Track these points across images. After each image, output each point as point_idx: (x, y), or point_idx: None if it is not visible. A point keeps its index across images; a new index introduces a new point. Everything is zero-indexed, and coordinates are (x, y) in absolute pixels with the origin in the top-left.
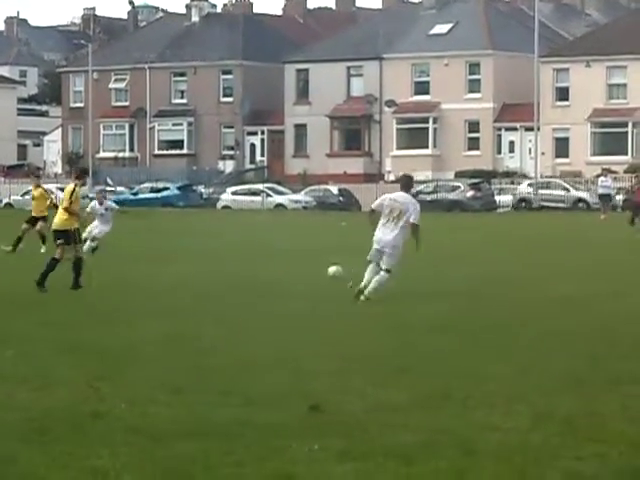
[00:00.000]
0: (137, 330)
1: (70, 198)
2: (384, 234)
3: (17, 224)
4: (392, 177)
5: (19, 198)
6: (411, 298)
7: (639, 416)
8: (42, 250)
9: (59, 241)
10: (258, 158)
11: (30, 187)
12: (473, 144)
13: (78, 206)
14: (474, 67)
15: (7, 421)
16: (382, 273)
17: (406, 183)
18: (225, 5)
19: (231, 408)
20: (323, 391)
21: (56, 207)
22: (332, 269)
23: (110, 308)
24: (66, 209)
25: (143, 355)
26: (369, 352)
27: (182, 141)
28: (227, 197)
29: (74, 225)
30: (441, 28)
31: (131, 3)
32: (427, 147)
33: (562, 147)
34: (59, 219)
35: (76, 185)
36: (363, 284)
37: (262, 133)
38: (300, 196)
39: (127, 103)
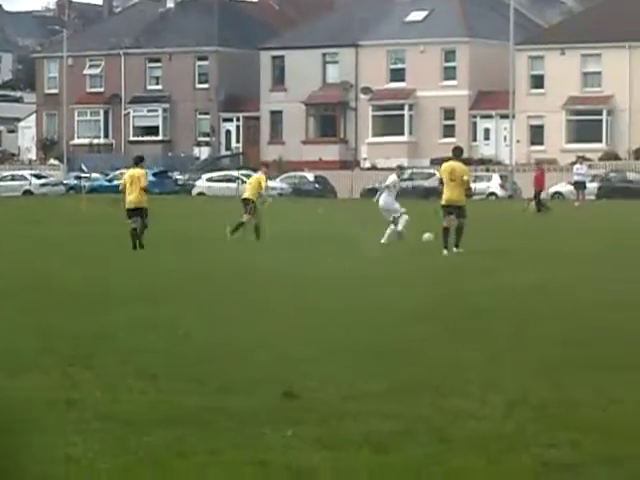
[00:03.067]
0: (111, 315)
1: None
2: None
3: None
4: (368, 164)
5: None
6: (389, 286)
7: (612, 403)
8: None
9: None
10: (233, 145)
11: (4, 173)
12: (449, 131)
13: None
14: (450, 54)
15: None
16: None
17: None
18: None
19: (206, 395)
20: (299, 378)
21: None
22: (426, 235)
23: (84, 293)
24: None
25: (117, 341)
26: (345, 339)
27: (157, 127)
28: (202, 184)
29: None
30: (417, 15)
31: None
32: (403, 134)
33: (537, 135)
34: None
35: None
36: None
37: (237, 120)
38: (276, 183)
39: (102, 89)
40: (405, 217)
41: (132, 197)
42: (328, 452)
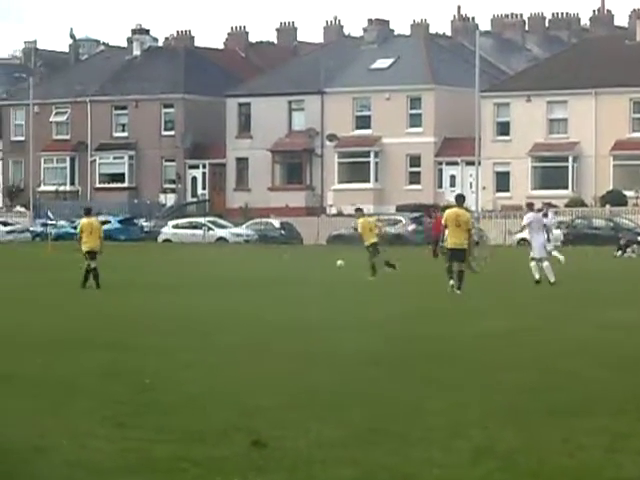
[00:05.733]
0: (78, 362)
1: None
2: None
3: None
4: (334, 210)
5: None
6: (346, 330)
7: (578, 450)
8: None
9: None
10: (200, 191)
11: None
12: (414, 178)
13: None
14: (415, 101)
15: None
16: None
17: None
18: (167, 39)
19: (174, 443)
20: (265, 426)
21: None
22: (339, 262)
23: (50, 339)
24: None
25: (84, 388)
26: (309, 387)
27: (123, 174)
28: (168, 230)
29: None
30: (382, 62)
31: (72, 36)
32: (369, 181)
33: (503, 181)
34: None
35: None
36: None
37: (204, 167)
38: (242, 229)
39: (68, 136)
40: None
41: (92, 243)
42: None
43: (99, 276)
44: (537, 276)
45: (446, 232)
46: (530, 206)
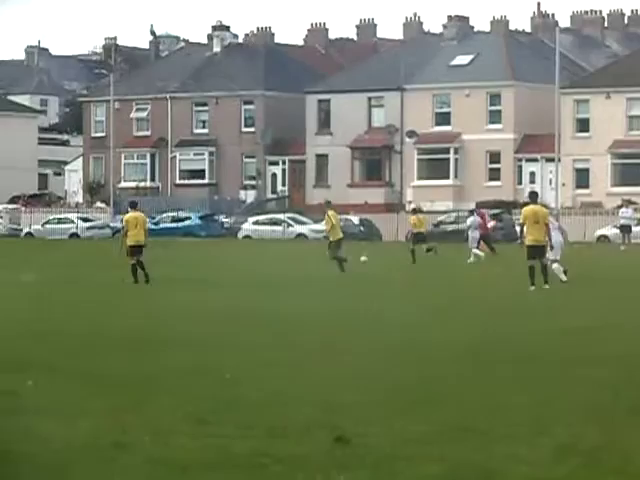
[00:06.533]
0: (160, 360)
1: None
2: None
3: (37, 253)
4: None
5: (39, 227)
6: (430, 327)
7: None
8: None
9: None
10: (279, 188)
11: (50, 216)
12: (494, 175)
13: None
14: (495, 98)
15: (28, 453)
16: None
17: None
18: (247, 35)
19: (254, 440)
20: (348, 423)
21: None
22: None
23: (132, 337)
24: None
25: (166, 385)
26: (392, 383)
27: (203, 171)
28: (248, 227)
29: None
30: (462, 59)
31: (153, 33)
32: (448, 178)
33: (582, 178)
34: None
35: None
36: None
37: (283, 163)
38: (321, 226)
39: (149, 133)
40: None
41: (138, 237)
42: None
43: (145, 269)
44: (564, 277)
45: (524, 229)
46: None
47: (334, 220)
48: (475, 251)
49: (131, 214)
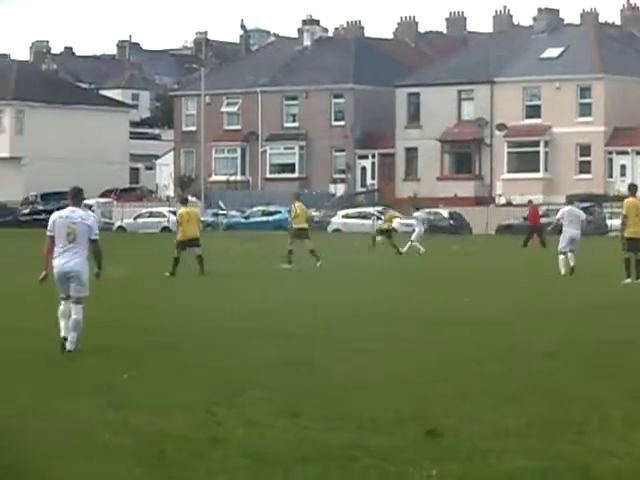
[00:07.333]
0: (250, 353)
1: None
2: None
3: (129, 247)
4: (503, 200)
5: (131, 221)
6: (524, 320)
7: None
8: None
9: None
10: (369, 181)
11: (142, 210)
12: (584, 168)
13: None
14: (585, 91)
15: (124, 446)
16: None
17: None
18: (336, 29)
19: (347, 432)
20: (440, 415)
21: None
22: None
23: (222, 330)
24: None
25: (257, 378)
26: (483, 376)
27: (293, 164)
28: (338, 220)
29: None
30: (552, 52)
31: (243, 27)
32: (538, 171)
33: None
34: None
35: None
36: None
37: (373, 156)
38: (411, 220)
39: (239, 127)
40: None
41: (191, 231)
42: None
43: (204, 262)
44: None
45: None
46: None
47: (299, 210)
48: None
49: (184, 209)
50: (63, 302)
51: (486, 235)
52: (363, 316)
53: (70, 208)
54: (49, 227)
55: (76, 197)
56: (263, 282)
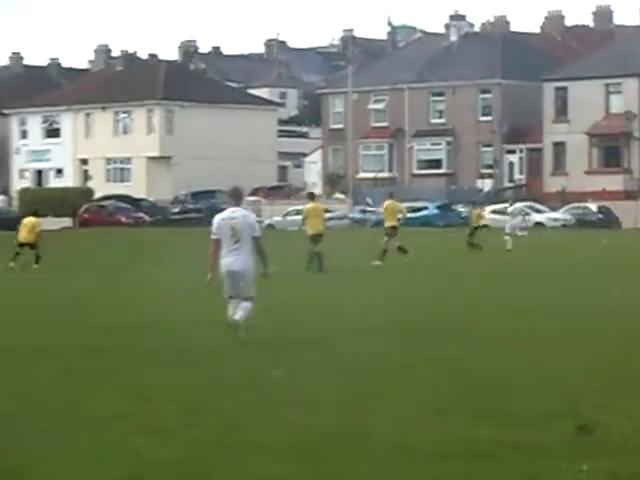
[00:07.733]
0: (393, 349)
1: None
2: None
3: (280, 245)
4: None
5: (280, 219)
6: None
7: None
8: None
9: None
10: (516, 176)
11: (290, 208)
12: None
13: None
14: None
15: (279, 443)
16: None
17: None
18: (483, 24)
19: (494, 429)
20: (590, 411)
21: None
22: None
23: (370, 327)
24: None
25: (401, 374)
26: (635, 372)
27: (440, 160)
28: (487, 216)
29: None
30: None
31: (390, 24)
32: None
33: None
34: None
35: None
36: None
37: (520, 151)
38: (559, 214)
39: (386, 124)
40: None
41: (317, 227)
42: None
43: (323, 259)
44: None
45: None
46: None
47: (389, 209)
48: None
49: (310, 205)
50: (231, 301)
51: (635, 229)
52: (513, 312)
53: (231, 209)
54: (214, 230)
55: (237, 197)
56: (414, 277)
